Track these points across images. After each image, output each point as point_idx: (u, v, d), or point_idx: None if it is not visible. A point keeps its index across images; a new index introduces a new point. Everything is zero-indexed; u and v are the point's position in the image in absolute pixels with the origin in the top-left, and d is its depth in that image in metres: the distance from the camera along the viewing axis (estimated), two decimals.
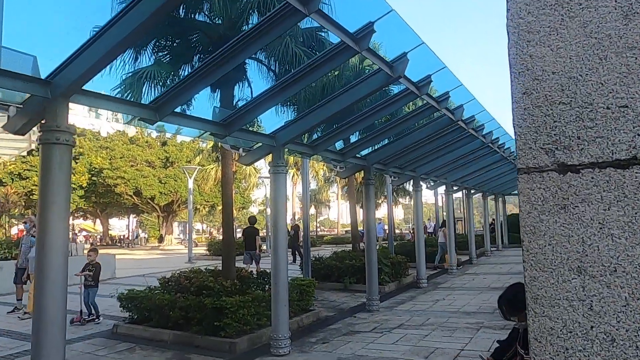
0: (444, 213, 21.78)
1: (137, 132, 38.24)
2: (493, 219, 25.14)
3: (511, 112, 1.09)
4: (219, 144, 21.00)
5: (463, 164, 13.27)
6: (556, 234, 1.01)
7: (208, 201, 39.55)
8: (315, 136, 8.54)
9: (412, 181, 12.60)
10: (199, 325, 6.64)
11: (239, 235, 22.04)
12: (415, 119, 8.35)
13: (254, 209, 67.67)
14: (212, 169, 24.09)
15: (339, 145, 8.85)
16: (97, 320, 8.22)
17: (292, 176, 35.24)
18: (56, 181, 3.72)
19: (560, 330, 0.99)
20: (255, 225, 16.94)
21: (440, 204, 21.08)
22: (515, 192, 24.10)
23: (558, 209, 1.02)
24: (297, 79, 5.54)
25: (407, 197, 44.44)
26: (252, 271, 8.65)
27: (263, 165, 35.26)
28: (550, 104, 1.05)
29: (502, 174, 17.86)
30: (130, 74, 6.92)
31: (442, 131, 9.47)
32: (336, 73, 12.78)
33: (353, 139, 9.22)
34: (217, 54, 4.71)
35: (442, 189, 16.79)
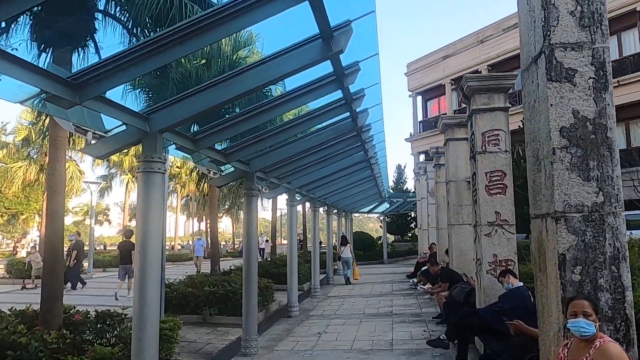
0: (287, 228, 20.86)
1: None
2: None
3: None
4: (37, 134, 16.80)
5: (336, 178, 12.34)
6: None
7: (9, 208, 32.37)
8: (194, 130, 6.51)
9: (287, 194, 11.13)
10: None
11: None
12: (315, 121, 6.96)
13: (68, 220, 58.67)
14: (20, 167, 19.17)
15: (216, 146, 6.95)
16: None
17: (127, 183, 30.70)
18: None
19: None
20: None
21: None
22: (363, 209, 24.54)
23: None
24: (200, 30, 3.65)
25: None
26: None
27: (89, 165, 30.05)
28: None
29: (362, 191, 17.64)
30: None
31: (336, 139, 8.28)
32: (203, 62, 10.84)
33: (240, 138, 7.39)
34: None
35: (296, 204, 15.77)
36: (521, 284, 5.88)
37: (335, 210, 19.72)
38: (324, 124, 7.50)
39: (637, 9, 23.39)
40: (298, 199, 12.17)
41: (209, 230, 48.75)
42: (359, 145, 9.47)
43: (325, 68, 5.33)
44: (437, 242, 13.32)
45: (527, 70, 4.04)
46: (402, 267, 23.07)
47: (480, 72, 31.99)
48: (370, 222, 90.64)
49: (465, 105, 7.22)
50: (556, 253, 3.47)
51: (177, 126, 4.63)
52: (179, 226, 46.29)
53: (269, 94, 10.30)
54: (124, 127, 4.47)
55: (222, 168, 8.29)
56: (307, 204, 19.38)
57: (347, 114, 6.95)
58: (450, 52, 34.09)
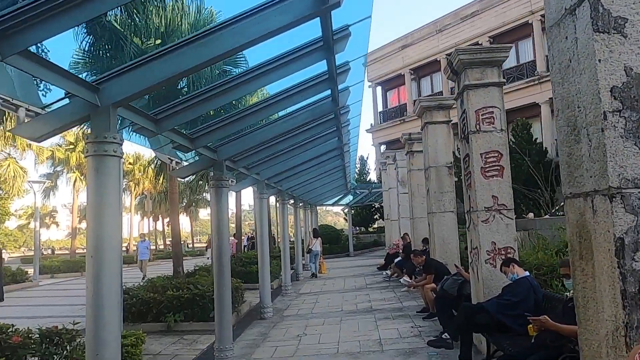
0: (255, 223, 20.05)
1: None
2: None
3: None
4: None
5: (306, 168, 11.61)
6: None
7: None
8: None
9: (256, 186, 10.29)
10: None
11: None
12: (293, 99, 6.17)
13: (12, 224, 54.93)
14: None
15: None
16: None
17: (74, 182, 28.56)
18: None
19: None
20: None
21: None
22: (328, 202, 23.97)
23: None
24: None
25: (209, 207, 41.65)
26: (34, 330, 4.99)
27: (31, 162, 27.79)
28: None
29: (330, 182, 17.01)
30: None
31: (312, 122, 7.55)
32: (158, 42, 9.83)
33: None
34: None
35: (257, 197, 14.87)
36: (527, 273, 5.38)
37: (302, 203, 19.01)
38: (300, 105, 6.73)
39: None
40: (267, 191, 11.35)
41: (165, 229, 46.69)
42: (334, 131, 8.79)
43: (308, 33, 4.61)
44: (411, 232, 12.86)
45: (557, 25, 3.42)
46: (370, 259, 22.69)
47: (439, 61, 32.11)
48: (329, 215, 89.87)
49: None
50: (611, 237, 2.88)
51: (135, 99, 3.77)
52: (133, 226, 44.13)
53: (234, 72, 9.40)
54: (67, 101, 3.56)
55: (184, 157, 7.39)
56: (272, 198, 18.58)
57: (328, 92, 6.24)
58: (408, 41, 33.95)
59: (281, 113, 6.97)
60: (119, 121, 4.46)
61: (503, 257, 5.88)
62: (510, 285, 5.28)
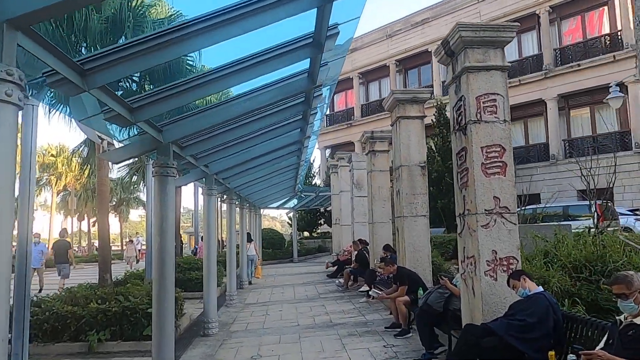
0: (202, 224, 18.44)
1: None
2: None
3: None
4: None
5: (259, 164, 10.36)
6: None
7: None
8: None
9: (204, 180, 8.89)
10: None
11: None
12: (262, 67, 4.97)
13: None
14: None
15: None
16: None
17: None
18: None
19: None
20: None
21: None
22: (273, 205, 22.65)
23: None
24: None
25: (141, 208, 38.95)
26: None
27: None
28: None
29: (280, 182, 15.80)
30: None
31: (280, 103, 6.41)
32: None
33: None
34: None
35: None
36: (541, 288, 4.54)
37: (247, 204, 17.64)
38: (268, 79, 5.55)
39: (536, 12, 24.50)
40: (215, 187, 9.99)
41: (91, 230, 43.06)
42: (299, 120, 7.68)
43: None
44: (370, 238, 11.95)
45: None
46: (315, 265, 21.65)
47: (389, 66, 31.90)
48: (266, 220, 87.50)
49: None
50: None
51: (46, 18, 2.46)
52: (54, 226, 40.14)
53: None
54: None
55: (119, 137, 5.97)
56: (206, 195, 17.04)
57: (306, 64, 5.13)
58: (358, 45, 33.49)
59: (244, 89, 5.74)
60: (32, 77, 3.10)
61: (505, 269, 5.05)
62: (522, 302, 4.41)
